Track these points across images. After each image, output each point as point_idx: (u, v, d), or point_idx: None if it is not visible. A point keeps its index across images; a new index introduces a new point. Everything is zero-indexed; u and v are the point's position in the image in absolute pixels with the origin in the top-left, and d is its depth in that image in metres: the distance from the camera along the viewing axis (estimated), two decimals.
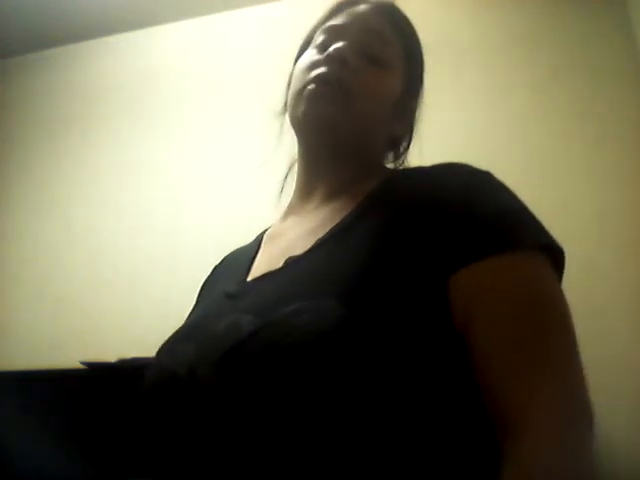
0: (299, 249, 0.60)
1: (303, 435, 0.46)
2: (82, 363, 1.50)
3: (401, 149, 0.77)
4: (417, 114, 0.76)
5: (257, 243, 0.74)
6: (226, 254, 0.82)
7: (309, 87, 0.66)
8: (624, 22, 1.76)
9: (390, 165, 0.77)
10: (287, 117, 0.74)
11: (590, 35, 1.78)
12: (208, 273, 0.81)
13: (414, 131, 0.77)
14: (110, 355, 1.48)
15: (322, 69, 0.66)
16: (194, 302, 0.78)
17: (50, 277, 2.06)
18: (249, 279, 0.63)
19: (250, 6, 2.19)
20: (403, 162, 0.78)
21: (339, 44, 0.66)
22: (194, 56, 2.21)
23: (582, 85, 1.75)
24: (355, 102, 0.65)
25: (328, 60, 0.66)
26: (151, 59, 2.26)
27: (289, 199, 0.76)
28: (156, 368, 0.60)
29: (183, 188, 2.04)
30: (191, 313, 0.74)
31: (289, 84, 0.75)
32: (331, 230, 0.60)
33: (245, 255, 0.73)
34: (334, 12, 0.73)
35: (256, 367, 0.48)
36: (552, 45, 1.81)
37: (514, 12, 1.88)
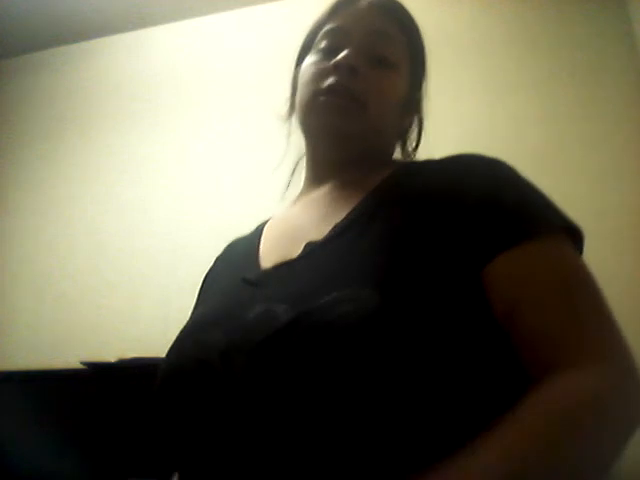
0: (314, 235, 0.60)
1: (343, 421, 0.46)
2: (82, 363, 1.50)
3: (408, 142, 0.78)
4: (423, 105, 0.77)
5: (259, 231, 0.74)
6: (230, 242, 0.81)
7: (321, 99, 0.66)
8: (624, 22, 1.76)
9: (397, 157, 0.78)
10: (292, 121, 0.75)
11: (590, 35, 1.78)
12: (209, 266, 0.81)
13: (423, 123, 0.78)
14: (110, 355, 1.48)
15: (332, 80, 0.66)
16: (198, 294, 0.78)
17: (50, 277, 2.06)
18: (266, 266, 0.62)
19: (249, 6, 2.18)
20: (412, 155, 0.79)
21: (346, 52, 0.66)
22: (193, 56, 2.21)
23: (582, 85, 1.75)
24: (367, 110, 0.66)
25: (337, 70, 0.66)
26: (150, 59, 2.26)
27: (296, 192, 0.77)
28: (177, 356, 0.59)
29: (183, 188, 2.05)
30: (198, 304, 0.74)
31: (293, 88, 0.76)
32: (349, 217, 0.60)
33: (248, 243, 0.72)
34: (334, 12, 0.72)
35: (296, 355, 0.48)
36: (552, 45, 1.81)
37: (514, 12, 1.88)
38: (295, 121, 0.75)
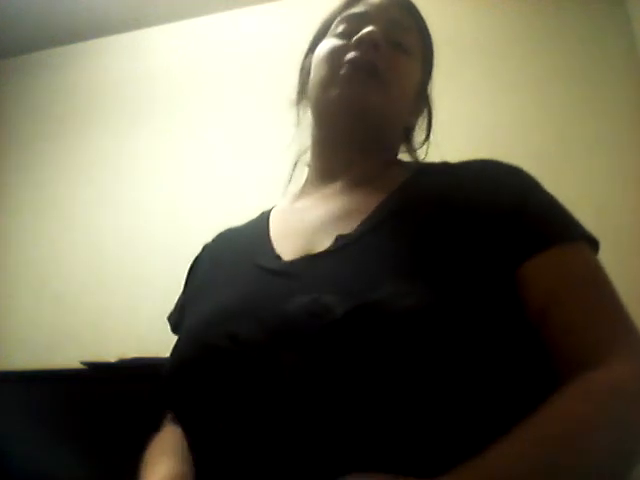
0: (340, 229, 0.60)
1: (406, 413, 0.46)
2: (82, 363, 1.50)
3: (413, 141, 0.79)
4: (430, 104, 0.79)
5: (263, 221, 0.73)
6: (222, 231, 0.81)
7: (342, 72, 0.66)
8: (624, 22, 1.76)
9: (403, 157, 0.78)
10: (301, 108, 0.76)
11: (590, 35, 1.79)
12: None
13: (431, 121, 0.79)
14: (110, 355, 1.48)
15: (354, 53, 0.66)
16: (185, 282, 0.78)
17: (50, 277, 2.06)
18: (286, 257, 0.61)
19: (245, 7, 2.18)
20: (418, 151, 0.79)
21: (370, 28, 0.66)
22: (190, 57, 2.21)
23: (582, 85, 1.75)
24: (388, 87, 0.67)
25: (360, 44, 0.66)
26: (150, 59, 2.26)
27: (299, 185, 0.77)
28: (198, 347, 0.56)
29: (182, 188, 2.05)
30: (202, 292, 0.69)
31: (303, 77, 0.76)
32: (377, 213, 0.61)
33: (253, 233, 0.71)
34: (351, 3, 0.73)
35: (359, 347, 0.48)
36: (552, 45, 1.81)
37: (515, 12, 1.88)
38: (301, 114, 0.76)
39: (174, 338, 0.64)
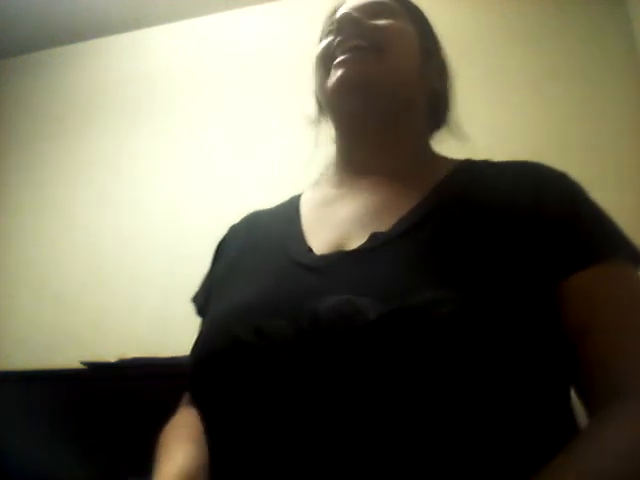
0: (376, 226, 0.58)
1: (428, 424, 0.45)
2: (82, 363, 1.50)
3: (446, 115, 0.77)
4: (447, 79, 0.76)
5: (294, 208, 0.71)
6: (250, 213, 0.79)
7: (335, 62, 0.66)
8: (624, 22, 1.76)
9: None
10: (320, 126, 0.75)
11: (590, 35, 1.78)
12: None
13: (449, 95, 0.77)
14: (110, 355, 1.48)
15: (339, 39, 0.66)
16: (212, 261, 0.75)
17: (50, 277, 2.06)
18: (318, 251, 0.59)
19: (249, 6, 2.19)
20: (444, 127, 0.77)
21: (341, 9, 0.67)
22: (190, 57, 2.21)
23: (582, 85, 1.75)
24: (385, 50, 0.65)
25: (340, 29, 0.66)
26: (150, 59, 2.26)
27: (327, 173, 0.75)
28: (228, 340, 0.53)
29: (182, 188, 2.05)
30: (232, 276, 0.67)
31: (316, 89, 0.75)
32: (416, 212, 0.59)
33: (286, 220, 0.69)
34: (334, 12, 0.73)
35: (388, 354, 0.46)
36: (552, 45, 1.81)
37: (515, 12, 1.88)
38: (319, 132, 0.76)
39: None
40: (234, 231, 0.77)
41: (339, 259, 0.56)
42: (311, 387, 0.47)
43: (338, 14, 0.68)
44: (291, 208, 0.71)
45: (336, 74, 0.65)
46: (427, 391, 0.46)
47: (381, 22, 0.67)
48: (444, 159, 0.71)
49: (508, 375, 0.48)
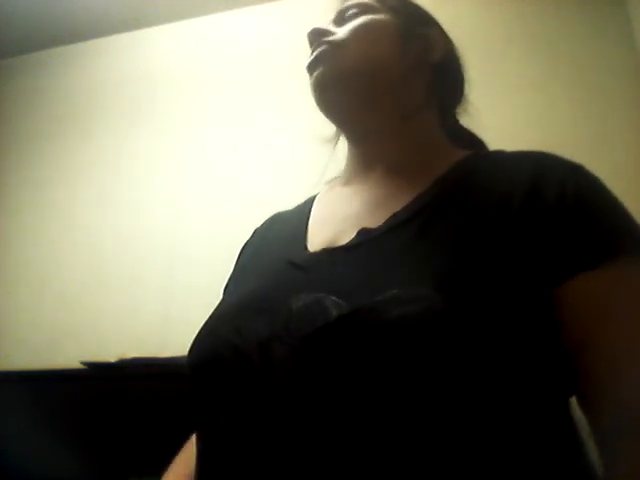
0: (367, 221, 0.57)
1: (391, 425, 0.43)
2: (82, 363, 1.50)
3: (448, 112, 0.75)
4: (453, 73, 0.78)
5: (307, 208, 0.71)
6: (272, 215, 0.79)
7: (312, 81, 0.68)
8: (624, 22, 1.76)
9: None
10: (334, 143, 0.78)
11: (590, 35, 1.78)
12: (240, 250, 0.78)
13: (455, 66, 0.78)
14: (110, 355, 1.48)
15: (310, 51, 0.69)
16: (235, 264, 0.75)
17: (50, 277, 2.06)
18: (312, 249, 0.59)
19: (249, 6, 2.18)
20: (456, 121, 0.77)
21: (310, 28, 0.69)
22: (190, 57, 2.21)
23: (582, 85, 1.75)
24: (346, 48, 0.66)
25: (310, 42, 0.69)
26: (150, 59, 2.26)
27: (341, 170, 0.75)
28: (214, 342, 0.54)
29: (183, 188, 2.04)
30: (235, 279, 0.69)
31: None
32: (409, 208, 0.57)
33: (296, 220, 0.69)
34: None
35: (346, 354, 0.45)
36: (552, 45, 1.81)
37: (514, 12, 1.88)
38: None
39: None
40: (255, 234, 0.78)
41: (323, 256, 0.56)
42: (275, 389, 0.47)
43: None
44: (305, 208, 0.71)
45: (311, 80, 0.68)
46: (375, 395, 0.44)
47: (349, 24, 0.69)
48: (454, 150, 0.69)
49: (478, 383, 0.44)
